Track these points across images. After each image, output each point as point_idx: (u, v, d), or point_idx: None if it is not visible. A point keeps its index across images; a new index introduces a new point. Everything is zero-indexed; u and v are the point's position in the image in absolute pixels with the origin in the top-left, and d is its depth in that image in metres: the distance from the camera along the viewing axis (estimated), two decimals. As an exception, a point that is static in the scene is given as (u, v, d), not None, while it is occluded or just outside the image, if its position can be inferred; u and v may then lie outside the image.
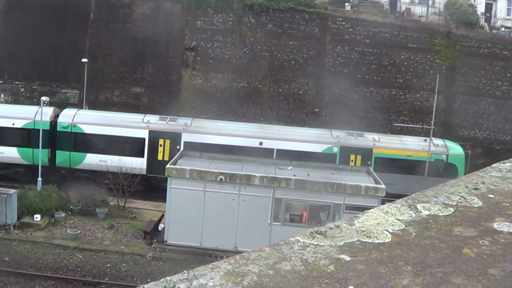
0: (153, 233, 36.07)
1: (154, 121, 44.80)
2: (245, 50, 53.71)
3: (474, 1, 63.95)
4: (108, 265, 33.10)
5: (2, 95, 54.44)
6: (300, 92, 53.17)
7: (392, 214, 3.31)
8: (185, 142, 43.81)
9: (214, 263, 2.73)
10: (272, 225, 33.27)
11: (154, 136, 44.29)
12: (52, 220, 37.88)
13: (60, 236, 35.92)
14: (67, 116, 44.71)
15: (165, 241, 34.40)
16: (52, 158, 44.76)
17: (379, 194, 32.41)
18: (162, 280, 2.59)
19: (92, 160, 43.80)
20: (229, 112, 52.29)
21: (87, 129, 43.80)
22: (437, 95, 48.02)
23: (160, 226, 36.60)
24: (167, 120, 45.01)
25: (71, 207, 39.63)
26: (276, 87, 53.33)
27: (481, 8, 64.38)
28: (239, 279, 2.59)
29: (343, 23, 53.99)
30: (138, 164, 43.58)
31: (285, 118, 51.78)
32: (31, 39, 53.59)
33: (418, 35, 54.06)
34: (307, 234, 3.04)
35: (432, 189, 3.70)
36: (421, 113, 52.36)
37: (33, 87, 54.45)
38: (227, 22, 54.07)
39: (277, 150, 42.83)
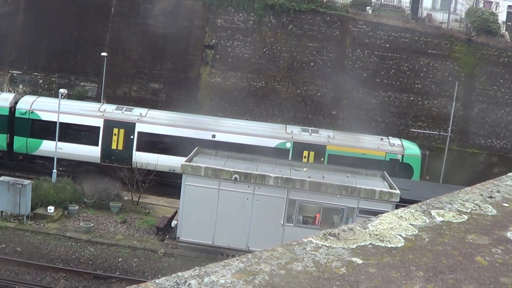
0: (165, 229, 36.15)
1: (110, 110, 45.09)
2: (264, 50, 53.71)
3: (496, 10, 63.58)
4: (120, 260, 33.19)
5: (20, 86, 54.74)
6: (318, 94, 53.10)
7: (406, 219, 3.30)
8: (138, 132, 44.16)
9: (226, 261, 2.73)
10: (285, 226, 33.24)
11: (109, 125, 44.49)
12: (66, 212, 38.04)
13: (72, 229, 36.04)
14: (26, 103, 45.17)
15: (178, 237, 34.45)
16: (11, 144, 45.17)
17: (393, 199, 32.28)
18: (173, 275, 2.60)
19: (48, 147, 43.87)
20: (247, 111, 52.31)
21: (44, 116, 43.93)
22: (455, 103, 47.84)
23: (173, 223, 36.67)
24: (123, 110, 45.23)
25: (85, 200, 39.78)
26: (294, 88, 53.28)
27: (502, 17, 63.91)
28: (251, 277, 2.59)
29: (364, 26, 53.84)
30: (93, 152, 43.95)
31: (302, 120, 51.65)
32: (52, 31, 53.96)
33: (438, 41, 53.83)
34: (320, 236, 3.04)
35: (446, 195, 3.68)
36: (439, 120, 52.12)
37: (52, 79, 54.75)
38: (248, 22, 54.08)
39: (229, 143, 42.52)
